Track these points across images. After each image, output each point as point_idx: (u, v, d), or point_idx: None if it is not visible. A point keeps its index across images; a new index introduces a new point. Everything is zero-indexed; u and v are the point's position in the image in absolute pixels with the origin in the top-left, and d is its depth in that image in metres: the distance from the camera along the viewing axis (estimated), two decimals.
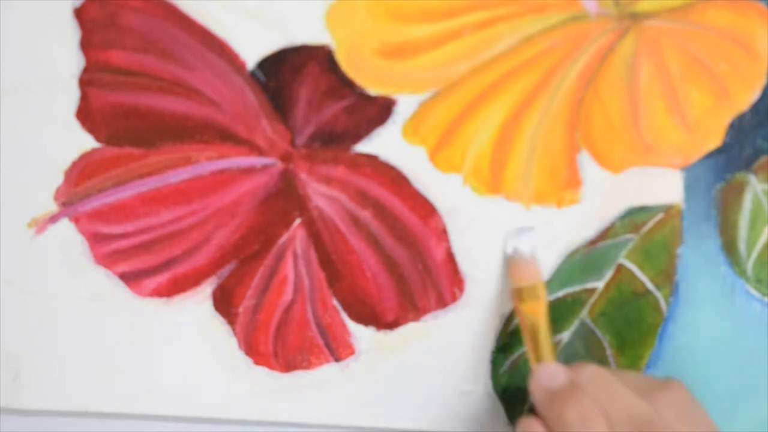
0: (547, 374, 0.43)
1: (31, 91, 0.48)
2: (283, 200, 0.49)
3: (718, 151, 0.47)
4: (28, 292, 0.50)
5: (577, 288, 0.49)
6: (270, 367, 0.50)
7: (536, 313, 0.46)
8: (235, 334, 0.50)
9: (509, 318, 0.49)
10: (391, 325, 0.50)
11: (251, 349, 0.50)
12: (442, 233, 0.49)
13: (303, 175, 0.49)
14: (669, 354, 0.49)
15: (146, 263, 0.49)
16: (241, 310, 0.50)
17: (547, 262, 0.49)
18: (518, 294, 0.47)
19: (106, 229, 0.49)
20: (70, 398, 0.51)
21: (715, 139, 0.47)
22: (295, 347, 0.50)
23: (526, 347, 0.46)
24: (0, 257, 0.50)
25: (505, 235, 0.48)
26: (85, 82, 0.48)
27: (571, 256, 0.49)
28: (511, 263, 0.48)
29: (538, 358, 0.46)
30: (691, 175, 0.48)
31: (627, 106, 0.47)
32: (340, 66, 0.47)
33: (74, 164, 0.49)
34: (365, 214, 0.49)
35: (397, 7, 0.46)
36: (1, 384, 0.51)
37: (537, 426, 0.42)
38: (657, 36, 0.46)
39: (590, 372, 0.43)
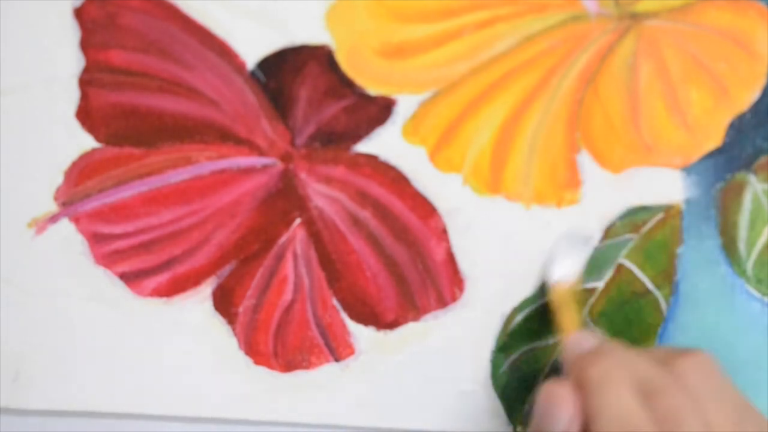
0: (576, 340, 0.44)
1: (31, 91, 0.48)
2: (283, 200, 0.49)
3: (718, 151, 0.47)
4: (28, 292, 0.50)
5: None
6: (270, 367, 0.50)
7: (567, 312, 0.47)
8: (235, 334, 0.50)
9: (509, 318, 0.49)
10: (391, 325, 0.50)
11: (251, 349, 0.50)
12: (442, 233, 0.49)
13: (303, 175, 0.49)
14: None
15: (146, 263, 0.50)
16: (241, 310, 0.50)
17: None
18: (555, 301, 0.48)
19: (106, 229, 0.49)
20: (70, 398, 0.51)
21: (715, 139, 0.47)
22: (295, 347, 0.50)
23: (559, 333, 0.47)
24: (0, 257, 0.50)
25: (553, 251, 0.48)
26: (85, 82, 0.48)
27: None
28: (554, 289, 0.48)
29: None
30: (691, 175, 0.48)
31: (627, 106, 0.47)
32: (340, 66, 0.47)
33: (74, 164, 0.49)
34: (365, 214, 0.49)
35: (397, 7, 0.46)
36: (1, 384, 0.51)
37: (561, 386, 0.42)
38: (657, 36, 0.46)
39: (614, 343, 0.43)
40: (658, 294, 0.49)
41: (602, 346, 0.43)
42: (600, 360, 0.41)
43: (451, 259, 0.49)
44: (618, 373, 0.41)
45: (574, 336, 0.45)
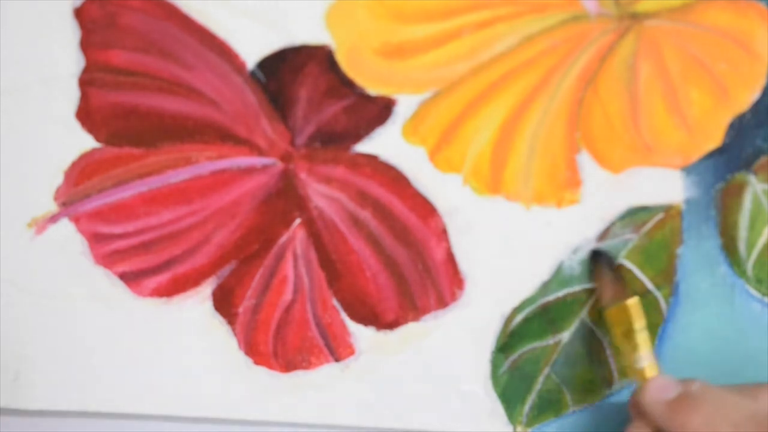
0: (660, 387, 0.44)
1: (31, 91, 0.48)
2: (283, 200, 0.49)
3: (718, 151, 0.47)
4: (28, 292, 0.50)
5: (577, 288, 0.49)
6: (270, 367, 0.50)
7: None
8: (235, 334, 0.50)
9: (509, 318, 0.49)
10: (391, 325, 0.50)
11: (251, 349, 0.50)
12: (442, 233, 0.49)
13: (303, 175, 0.49)
14: (669, 354, 0.49)
15: (146, 263, 0.50)
16: (241, 310, 0.50)
17: (548, 262, 0.49)
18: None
19: (106, 229, 0.49)
20: (70, 398, 0.51)
21: (715, 139, 0.47)
22: (295, 347, 0.50)
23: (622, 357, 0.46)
24: (0, 257, 0.50)
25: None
26: (85, 82, 0.48)
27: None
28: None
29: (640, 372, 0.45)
30: (691, 175, 0.48)
31: (627, 106, 0.47)
32: (340, 66, 0.47)
33: (74, 164, 0.49)
34: (365, 214, 0.49)
35: (397, 7, 0.46)
36: (1, 384, 0.51)
37: None
38: (657, 36, 0.46)
39: (699, 384, 0.43)
40: (658, 294, 0.49)
41: (688, 392, 0.43)
42: (696, 407, 0.42)
43: (451, 259, 0.49)
44: (719, 417, 0.41)
45: (657, 383, 0.44)
